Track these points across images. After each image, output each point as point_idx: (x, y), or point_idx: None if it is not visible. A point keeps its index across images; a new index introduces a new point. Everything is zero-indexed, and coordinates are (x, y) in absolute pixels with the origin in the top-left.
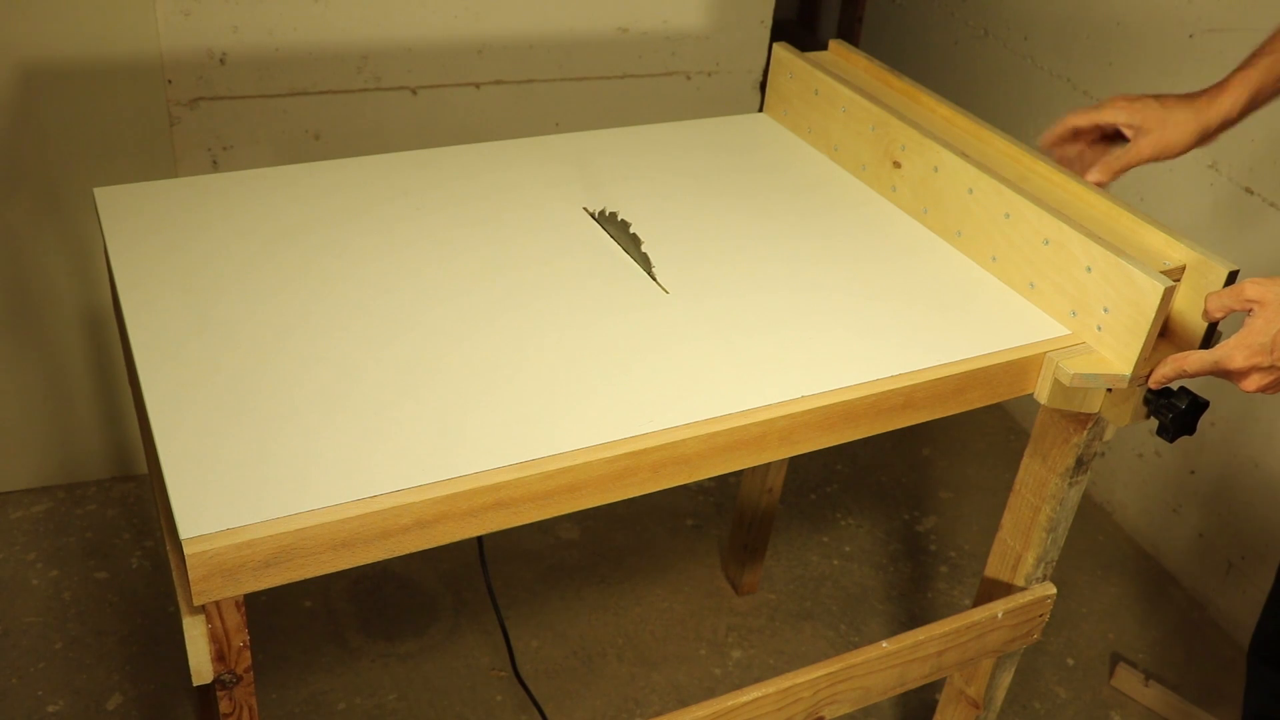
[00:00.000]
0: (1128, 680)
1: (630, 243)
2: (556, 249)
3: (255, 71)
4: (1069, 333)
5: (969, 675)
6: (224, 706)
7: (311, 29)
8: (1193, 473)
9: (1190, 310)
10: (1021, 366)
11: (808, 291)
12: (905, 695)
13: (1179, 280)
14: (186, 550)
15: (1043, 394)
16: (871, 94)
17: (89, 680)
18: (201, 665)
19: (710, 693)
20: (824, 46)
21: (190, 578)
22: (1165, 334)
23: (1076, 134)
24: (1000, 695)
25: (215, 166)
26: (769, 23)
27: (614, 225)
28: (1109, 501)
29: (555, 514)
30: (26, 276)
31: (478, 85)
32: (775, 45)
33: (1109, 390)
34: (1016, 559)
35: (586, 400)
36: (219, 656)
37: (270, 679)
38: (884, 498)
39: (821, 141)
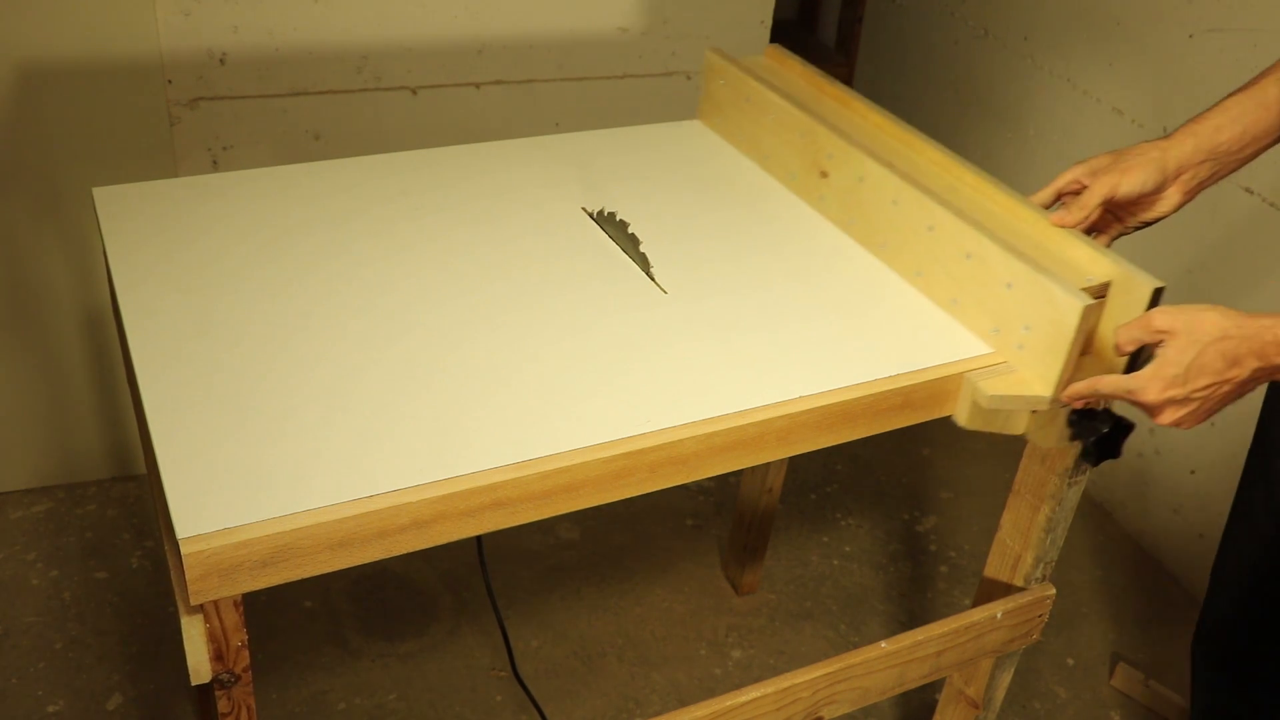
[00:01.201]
0: (1128, 680)
1: (629, 243)
2: (555, 249)
3: (255, 71)
4: (991, 351)
5: (968, 675)
6: (222, 706)
7: (311, 29)
8: (1193, 473)
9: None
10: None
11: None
12: (905, 695)
13: (1104, 297)
14: (183, 550)
15: (962, 415)
16: (802, 101)
17: (89, 680)
18: (200, 665)
19: (710, 693)
20: (824, 47)
21: (187, 577)
22: (1092, 353)
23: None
24: (1000, 695)
25: (215, 166)
26: (769, 23)
27: (612, 225)
28: (1109, 501)
29: (553, 514)
30: (26, 276)
31: (478, 85)
32: (707, 51)
33: (1035, 411)
34: (1016, 559)
35: (584, 400)
36: (217, 656)
37: (270, 679)
38: (884, 498)
39: (753, 149)
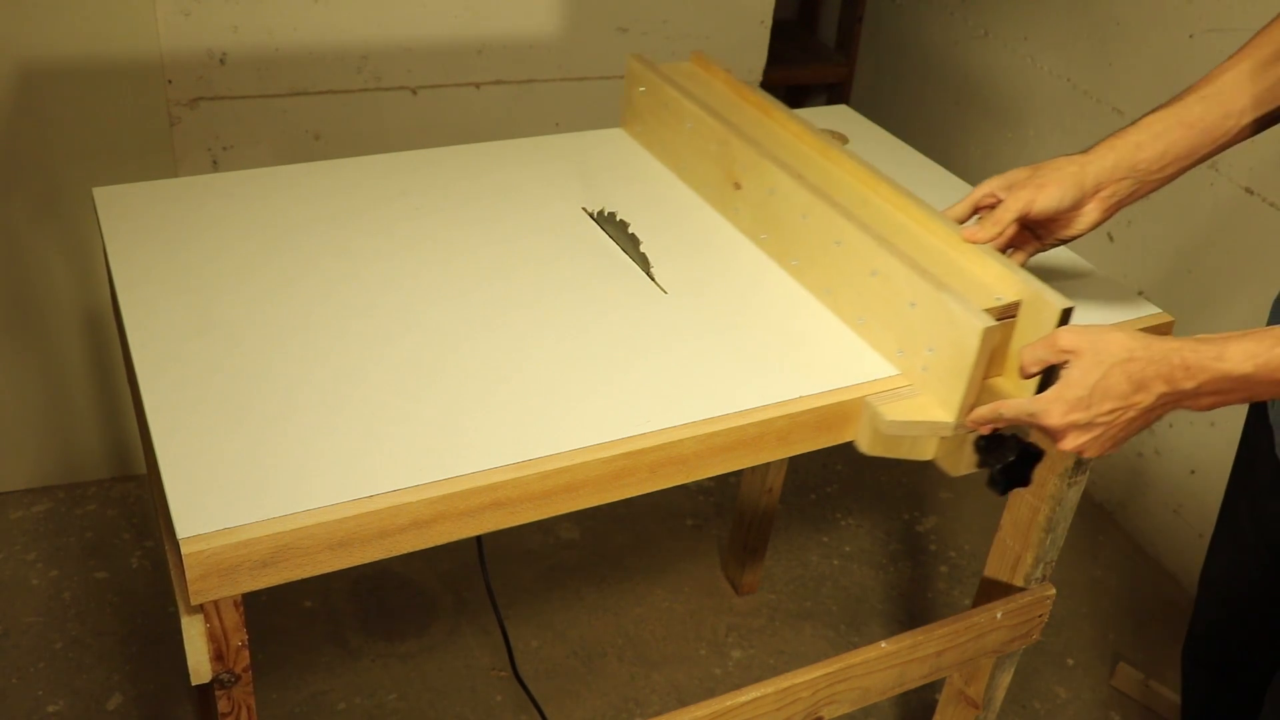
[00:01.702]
0: (1128, 680)
1: (629, 243)
2: (555, 249)
3: (255, 71)
4: (895, 373)
5: (969, 675)
6: (222, 706)
7: (311, 29)
8: (1193, 473)
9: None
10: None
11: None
12: (905, 695)
13: (1013, 317)
14: (184, 550)
15: (863, 441)
16: (720, 110)
17: (89, 680)
18: (200, 665)
19: (710, 693)
20: (824, 47)
21: (188, 577)
22: (1003, 375)
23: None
24: (1000, 695)
25: (215, 166)
26: (769, 23)
27: (613, 225)
28: (1109, 501)
29: (553, 514)
30: (26, 276)
31: (478, 85)
32: (629, 56)
33: (943, 437)
34: (1016, 559)
35: (584, 400)
36: (217, 656)
37: (270, 679)
38: (884, 498)
39: (671, 159)
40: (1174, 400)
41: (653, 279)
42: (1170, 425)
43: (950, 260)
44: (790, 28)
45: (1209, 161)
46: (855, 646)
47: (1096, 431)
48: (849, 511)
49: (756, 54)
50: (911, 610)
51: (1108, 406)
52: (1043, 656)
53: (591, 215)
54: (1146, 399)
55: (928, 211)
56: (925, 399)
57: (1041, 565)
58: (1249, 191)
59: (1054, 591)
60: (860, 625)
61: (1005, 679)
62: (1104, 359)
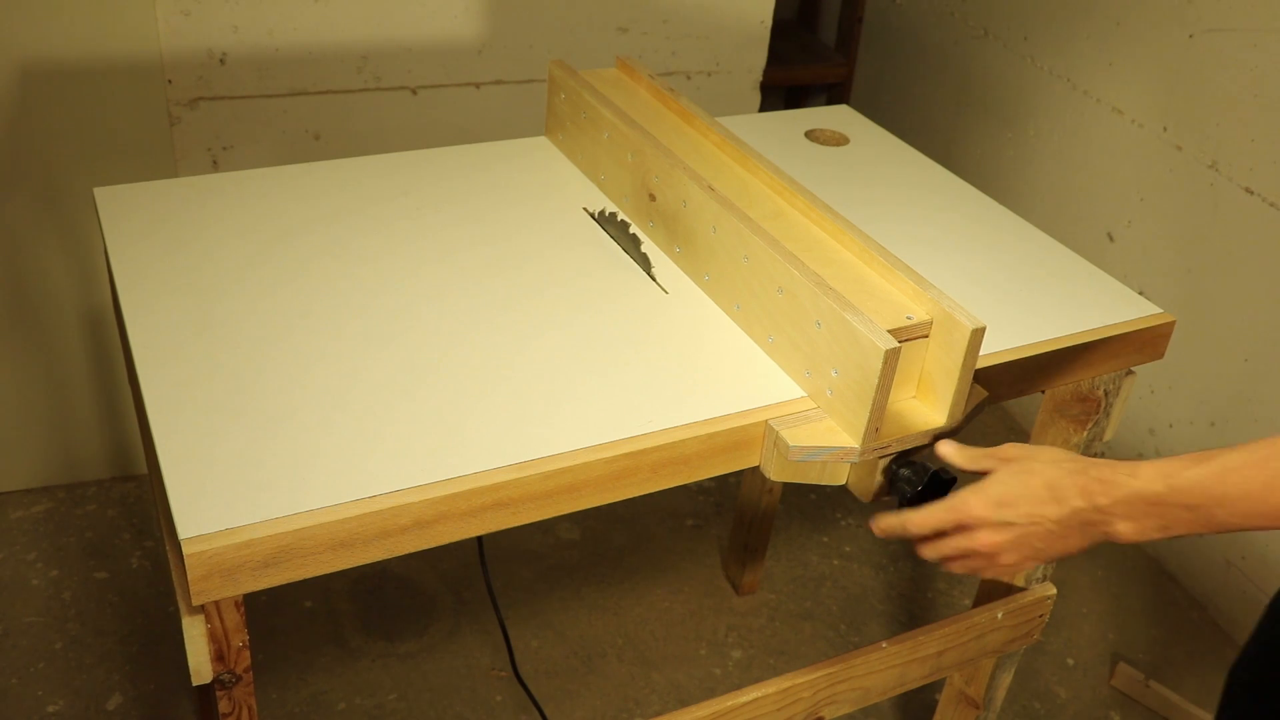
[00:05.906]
0: (1128, 680)
1: (630, 243)
2: (556, 249)
3: (255, 71)
4: (802, 395)
5: (969, 675)
6: (223, 706)
7: (311, 29)
8: None
9: (939, 371)
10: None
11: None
12: (905, 695)
13: (925, 336)
14: (185, 550)
15: (770, 467)
16: (636, 119)
17: (89, 680)
18: (201, 665)
19: (710, 693)
20: (824, 47)
21: (189, 577)
22: (919, 397)
23: None
24: (1000, 695)
25: (215, 166)
26: (769, 23)
27: (614, 225)
28: None
29: (554, 514)
30: (26, 276)
31: (478, 85)
32: (550, 63)
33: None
34: None
35: (586, 400)
36: (218, 656)
37: (270, 679)
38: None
39: (591, 169)
40: (1090, 519)
41: (654, 279)
42: (1170, 426)
43: (862, 277)
44: (790, 28)
45: (1209, 161)
46: (855, 646)
47: (1014, 533)
48: (849, 511)
49: (756, 54)
50: (911, 610)
51: (1025, 509)
52: (1043, 656)
53: (592, 215)
54: (1060, 510)
55: (841, 224)
56: (831, 423)
57: (1042, 565)
58: (1249, 191)
59: (1054, 591)
60: (860, 625)
61: (1005, 679)
62: (1030, 467)
